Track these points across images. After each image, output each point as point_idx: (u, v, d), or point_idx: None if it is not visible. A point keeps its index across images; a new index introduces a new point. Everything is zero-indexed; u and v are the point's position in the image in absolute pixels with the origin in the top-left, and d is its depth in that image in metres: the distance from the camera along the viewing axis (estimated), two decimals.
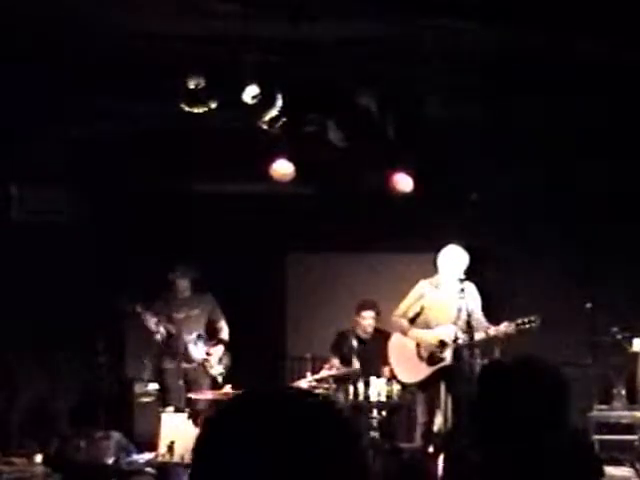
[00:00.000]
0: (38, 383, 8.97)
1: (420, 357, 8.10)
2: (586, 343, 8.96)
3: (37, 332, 8.67)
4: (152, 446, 8.14)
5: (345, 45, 7.13)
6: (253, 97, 7.52)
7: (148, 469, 8.00)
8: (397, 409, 8.51)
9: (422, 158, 8.85)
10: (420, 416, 8.30)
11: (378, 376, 8.33)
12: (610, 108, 8.04)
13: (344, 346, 8.93)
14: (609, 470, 7.11)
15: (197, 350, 8.83)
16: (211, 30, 6.93)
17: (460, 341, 7.66)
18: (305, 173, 8.84)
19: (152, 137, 8.84)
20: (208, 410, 8.30)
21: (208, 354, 8.84)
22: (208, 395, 8.34)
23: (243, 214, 9.80)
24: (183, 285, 8.92)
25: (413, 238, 9.55)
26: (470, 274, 7.83)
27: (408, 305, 8.13)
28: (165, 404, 8.59)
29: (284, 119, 7.82)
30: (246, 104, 7.57)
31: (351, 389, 8.30)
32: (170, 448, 7.60)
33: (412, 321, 8.17)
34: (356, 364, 8.72)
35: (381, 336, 8.66)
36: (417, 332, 8.11)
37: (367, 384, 8.17)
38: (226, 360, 8.93)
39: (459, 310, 7.58)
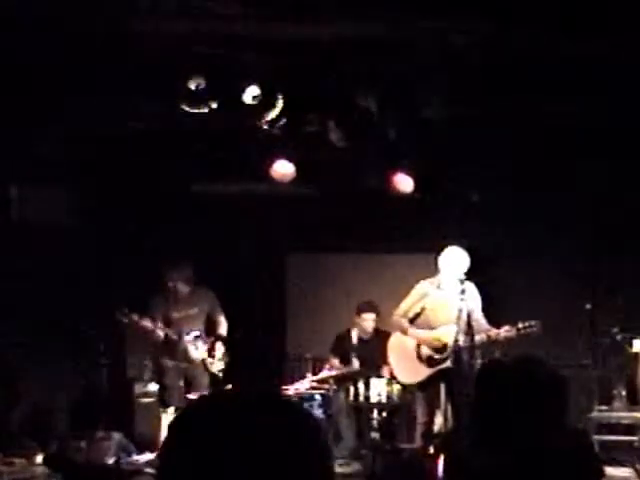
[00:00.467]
0: (38, 384, 8.96)
1: (420, 358, 8.09)
2: (586, 344, 8.96)
3: (37, 332, 8.66)
4: (152, 446, 8.15)
5: (345, 45, 7.13)
6: (253, 97, 7.53)
7: (148, 469, 7.99)
8: (397, 409, 8.51)
9: (422, 158, 8.85)
10: (420, 416, 8.31)
11: (378, 376, 8.33)
12: (610, 108, 8.04)
13: (344, 346, 8.94)
14: (609, 471, 7.11)
15: (196, 350, 8.83)
16: (211, 30, 6.93)
17: (460, 342, 7.65)
18: (305, 173, 8.85)
19: (152, 137, 8.84)
20: None
21: (211, 352, 8.83)
22: None
23: (243, 214, 9.80)
24: (181, 283, 8.90)
25: (413, 238, 9.56)
26: (470, 274, 7.83)
27: (409, 305, 8.12)
28: (165, 404, 8.60)
29: (284, 119, 7.82)
30: (246, 104, 7.57)
31: (351, 389, 8.31)
32: None
33: (412, 322, 8.16)
34: (356, 364, 8.73)
35: (381, 336, 8.66)
36: (418, 332, 8.10)
37: (367, 384, 8.18)
38: (226, 357, 8.92)
39: (460, 311, 7.58)
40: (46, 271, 8.83)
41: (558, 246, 9.38)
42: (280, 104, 7.66)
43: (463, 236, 8.29)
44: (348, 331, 8.97)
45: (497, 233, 9.47)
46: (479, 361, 7.49)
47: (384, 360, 8.40)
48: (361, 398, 8.19)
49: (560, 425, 2.85)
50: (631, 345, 8.61)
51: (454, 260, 7.91)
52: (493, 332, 7.69)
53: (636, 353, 8.64)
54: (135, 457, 8.29)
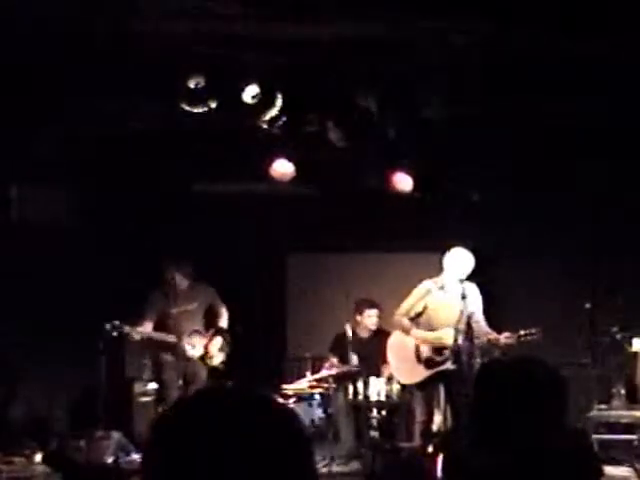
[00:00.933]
0: (38, 383, 8.96)
1: (419, 359, 8.05)
2: (586, 343, 8.96)
3: (37, 332, 8.67)
4: None
5: (345, 45, 7.14)
6: (253, 97, 7.54)
7: None
8: (396, 408, 8.51)
9: (422, 158, 8.86)
10: (419, 415, 8.30)
11: (378, 375, 8.34)
12: (610, 108, 8.05)
13: (343, 345, 8.93)
14: (608, 470, 7.11)
15: (193, 349, 8.82)
16: (211, 30, 6.93)
17: (460, 343, 7.64)
18: (305, 173, 8.85)
19: (152, 137, 8.85)
20: None
21: (207, 349, 8.82)
22: None
23: (243, 214, 9.80)
24: (180, 276, 8.87)
25: (413, 238, 9.56)
26: (470, 274, 7.83)
27: (411, 304, 8.08)
28: (164, 402, 8.59)
29: (284, 119, 7.83)
30: (246, 104, 7.58)
31: (351, 388, 8.31)
32: None
33: (413, 320, 8.14)
34: (354, 362, 8.72)
35: (381, 335, 8.66)
36: (419, 332, 8.09)
37: (366, 383, 8.18)
38: (227, 348, 8.89)
39: (461, 312, 7.57)
40: (46, 271, 8.84)
41: (558, 246, 9.38)
42: (280, 104, 7.67)
43: (463, 236, 8.29)
44: (347, 330, 8.97)
45: (497, 233, 9.47)
46: (478, 361, 7.49)
47: (383, 359, 8.39)
48: (360, 397, 8.20)
49: (560, 425, 2.85)
50: (630, 344, 8.62)
51: (459, 261, 7.87)
52: (493, 337, 7.66)
53: (635, 352, 8.65)
54: (134, 456, 8.28)
